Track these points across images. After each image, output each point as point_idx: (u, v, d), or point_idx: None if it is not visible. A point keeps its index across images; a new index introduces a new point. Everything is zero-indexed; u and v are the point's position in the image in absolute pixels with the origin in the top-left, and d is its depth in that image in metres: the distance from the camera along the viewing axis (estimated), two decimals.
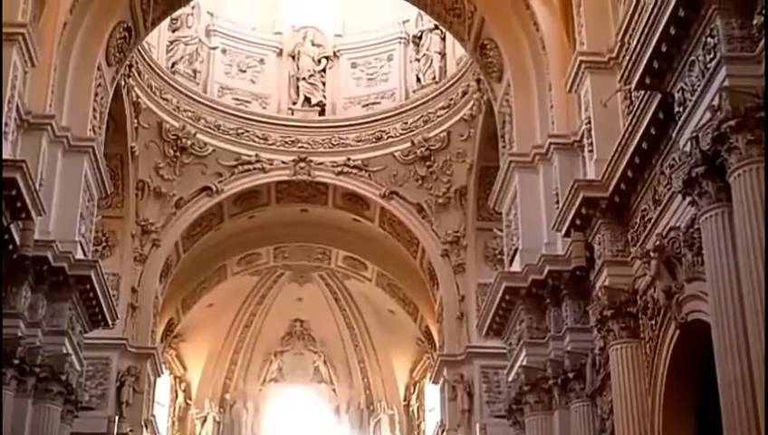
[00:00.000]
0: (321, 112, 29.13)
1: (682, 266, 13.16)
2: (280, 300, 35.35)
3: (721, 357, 10.93)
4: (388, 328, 34.76)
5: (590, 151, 16.69)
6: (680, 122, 12.02)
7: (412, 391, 35.50)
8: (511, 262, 19.93)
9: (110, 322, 20.22)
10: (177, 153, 26.81)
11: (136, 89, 25.08)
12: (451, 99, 26.78)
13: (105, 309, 19.55)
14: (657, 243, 13.68)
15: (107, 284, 19.67)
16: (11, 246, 16.36)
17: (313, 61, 29.62)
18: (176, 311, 31.60)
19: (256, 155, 27.86)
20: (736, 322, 10.70)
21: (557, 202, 18.06)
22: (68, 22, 19.47)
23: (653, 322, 14.51)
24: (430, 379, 30.25)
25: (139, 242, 26.35)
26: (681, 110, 11.98)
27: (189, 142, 26.93)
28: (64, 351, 18.15)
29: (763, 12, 10.46)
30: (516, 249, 19.41)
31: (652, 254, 13.78)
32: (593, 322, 15.94)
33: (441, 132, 26.98)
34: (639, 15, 15.03)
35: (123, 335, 24.93)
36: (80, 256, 18.76)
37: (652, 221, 14.50)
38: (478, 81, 24.59)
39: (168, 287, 28.84)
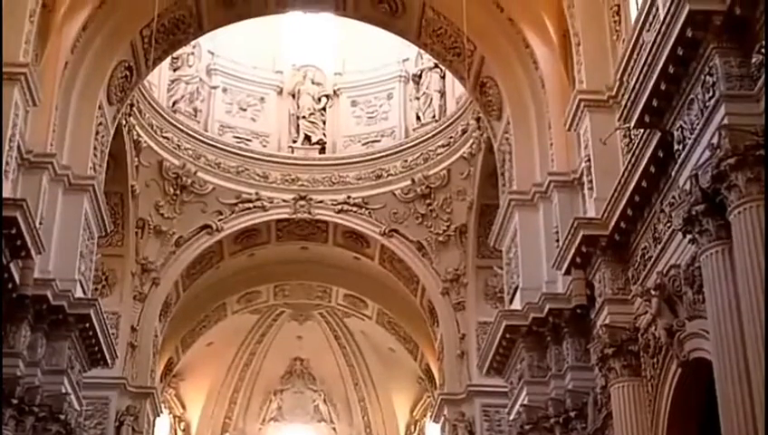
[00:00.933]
0: (322, 151, 29.21)
1: (683, 304, 13.14)
2: (280, 338, 35.23)
3: (723, 395, 10.88)
4: (388, 366, 34.62)
5: (590, 189, 16.71)
6: (680, 160, 12.04)
7: (413, 429, 35.28)
8: (511, 300, 19.88)
9: (109, 361, 20.14)
10: (178, 191, 26.84)
11: (137, 127, 25.15)
12: (451, 137, 26.85)
13: (104, 348, 19.48)
14: (658, 281, 13.66)
15: (106, 322, 19.61)
16: (10, 285, 16.34)
17: (314, 99, 29.74)
18: (175, 350, 31.49)
19: (256, 193, 27.89)
20: (738, 360, 10.66)
21: (557, 240, 18.06)
22: (69, 61, 19.58)
23: (654, 360, 14.45)
24: (431, 417, 30.09)
25: (138, 280, 26.30)
26: (680, 148, 12.00)
27: (190, 180, 26.97)
28: (63, 390, 18.05)
29: (762, 50, 10.51)
30: (516, 287, 19.38)
31: (653, 292, 13.76)
32: (594, 360, 15.88)
33: (441, 170, 27.02)
34: (638, 54, 15.11)
35: (122, 374, 24.81)
36: (79, 294, 18.72)
37: (653, 259, 14.49)
38: (478, 119, 24.68)
39: (168, 326, 28.76)
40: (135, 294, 26.19)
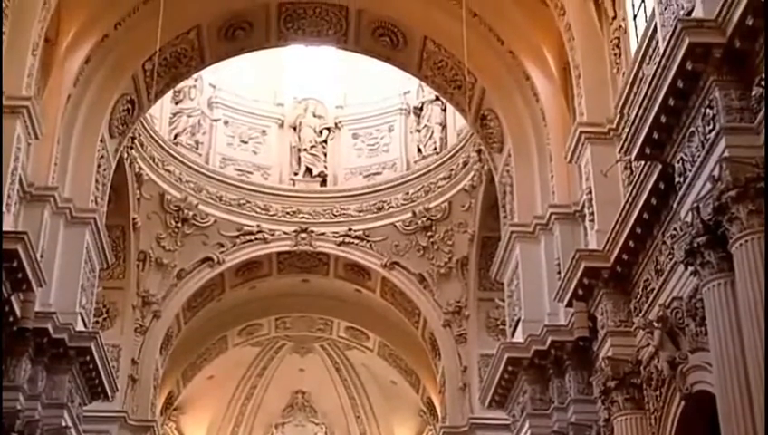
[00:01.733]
0: (323, 183, 29.25)
1: (685, 337, 13.10)
2: (281, 371, 35.11)
3: (726, 428, 10.83)
4: (390, 399, 34.46)
5: (592, 221, 16.71)
6: (681, 193, 12.05)
7: None
8: (513, 332, 19.83)
9: (109, 394, 20.06)
10: (179, 224, 26.85)
11: (138, 160, 25.21)
12: (452, 169, 26.89)
13: (105, 381, 19.42)
14: (660, 313, 13.62)
15: (107, 355, 19.56)
16: (11, 318, 16.31)
17: (315, 132, 29.82)
18: (176, 383, 31.37)
19: (258, 226, 27.90)
20: (741, 392, 10.61)
21: (559, 272, 18.03)
22: (72, 95, 19.66)
23: (657, 393, 14.39)
24: None
25: (140, 313, 26.25)
26: (682, 180, 12.01)
27: (191, 213, 26.99)
28: (64, 424, 17.97)
29: (762, 83, 10.54)
30: (518, 319, 19.33)
31: (655, 324, 13.72)
32: (597, 393, 15.81)
33: (442, 202, 27.03)
34: (638, 87, 15.17)
35: (123, 408, 24.68)
36: (80, 327, 18.68)
37: (654, 291, 14.46)
38: (479, 151, 24.72)
39: (169, 359, 28.68)
40: (136, 327, 26.12)
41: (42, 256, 17.41)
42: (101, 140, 20.59)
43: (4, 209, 15.83)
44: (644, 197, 13.94)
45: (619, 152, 15.66)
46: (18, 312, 16.48)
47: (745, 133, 10.90)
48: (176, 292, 27.12)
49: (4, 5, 16.20)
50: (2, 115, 15.69)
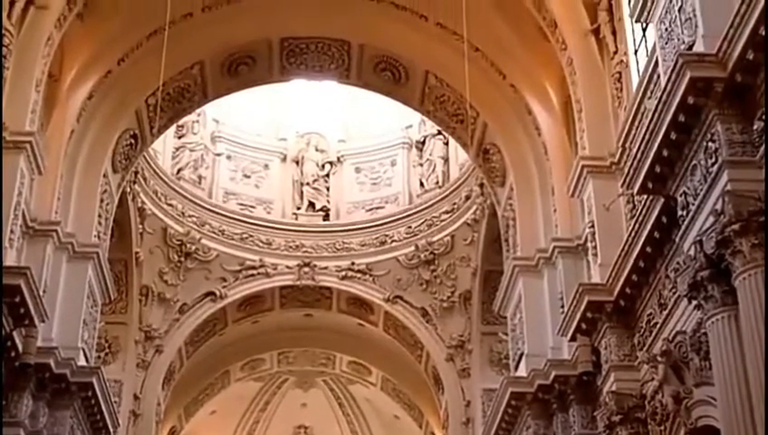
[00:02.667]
0: (326, 217, 29.27)
1: (690, 371, 13.04)
2: (284, 406, 34.96)
3: None
4: (393, 434, 34.28)
5: (595, 255, 16.70)
6: (684, 226, 12.04)
7: None
8: (516, 367, 19.76)
9: (111, 430, 19.97)
10: (182, 258, 26.85)
11: (141, 195, 25.25)
12: (455, 203, 26.91)
13: (107, 416, 19.35)
14: (664, 347, 13.57)
15: (109, 391, 19.51)
16: (13, 354, 16.27)
17: (317, 166, 29.88)
18: (178, 418, 31.23)
19: (260, 260, 27.89)
20: (746, 427, 10.54)
21: (562, 306, 18.00)
22: (75, 130, 19.73)
23: (662, 427, 14.31)
24: None
25: (142, 348, 26.18)
26: (684, 214, 12.01)
27: (194, 247, 26.99)
28: None
29: (764, 117, 10.56)
30: (522, 354, 19.27)
31: (659, 358, 13.67)
32: (601, 428, 15.73)
33: (445, 236, 27.02)
34: (640, 121, 15.20)
35: None
36: (82, 362, 18.63)
37: (658, 325, 14.42)
38: (481, 185, 24.75)
39: (171, 394, 28.57)
40: (138, 362, 26.03)
41: (44, 292, 17.40)
42: (104, 175, 20.64)
43: (6, 244, 15.84)
44: (647, 230, 13.94)
45: (622, 186, 15.65)
46: (20, 347, 16.44)
47: (747, 167, 10.90)
48: (178, 326, 27.07)
49: (8, 42, 16.30)
50: (2, 151, 15.74)
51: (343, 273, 28.05)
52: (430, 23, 20.97)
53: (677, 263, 12.95)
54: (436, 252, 27.16)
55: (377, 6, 21.04)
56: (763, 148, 10.69)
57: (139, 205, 25.26)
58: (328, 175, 29.90)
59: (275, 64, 22.25)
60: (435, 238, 27.21)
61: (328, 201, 29.47)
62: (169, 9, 18.38)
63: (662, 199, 13.08)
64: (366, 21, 21.38)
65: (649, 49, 15.35)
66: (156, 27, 19.76)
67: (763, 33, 10.27)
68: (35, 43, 17.45)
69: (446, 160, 28.20)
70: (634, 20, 14.63)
